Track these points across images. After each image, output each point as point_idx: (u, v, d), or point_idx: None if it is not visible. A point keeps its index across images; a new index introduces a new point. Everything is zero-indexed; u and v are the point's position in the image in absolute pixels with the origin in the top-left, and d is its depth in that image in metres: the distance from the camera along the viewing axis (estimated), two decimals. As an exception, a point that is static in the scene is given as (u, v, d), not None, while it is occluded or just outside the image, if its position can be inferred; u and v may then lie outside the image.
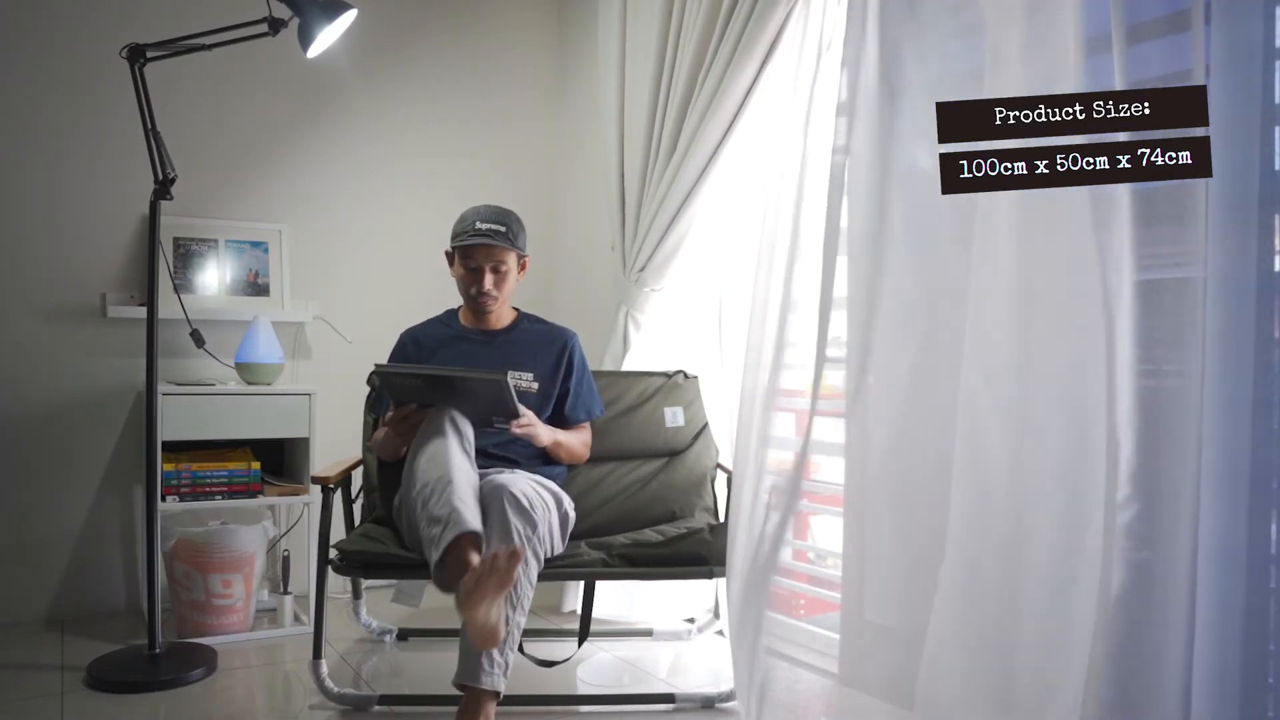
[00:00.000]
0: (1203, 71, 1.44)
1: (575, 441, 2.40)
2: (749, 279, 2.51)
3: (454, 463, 1.96)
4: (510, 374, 2.16)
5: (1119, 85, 1.48)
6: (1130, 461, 1.50)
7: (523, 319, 2.49)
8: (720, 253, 2.69)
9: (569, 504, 2.25)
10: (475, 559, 1.80)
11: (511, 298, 2.43)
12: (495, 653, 1.84)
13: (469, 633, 1.78)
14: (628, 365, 2.77)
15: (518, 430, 2.18)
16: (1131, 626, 1.50)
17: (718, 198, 2.57)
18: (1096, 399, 1.53)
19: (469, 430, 2.08)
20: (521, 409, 2.16)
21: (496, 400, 2.08)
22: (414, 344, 2.43)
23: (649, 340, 2.80)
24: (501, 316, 2.43)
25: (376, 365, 2.15)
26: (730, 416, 2.60)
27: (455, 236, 2.32)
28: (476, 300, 2.34)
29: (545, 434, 2.28)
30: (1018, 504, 1.63)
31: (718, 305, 2.74)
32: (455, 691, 1.88)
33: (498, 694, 1.86)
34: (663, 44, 2.60)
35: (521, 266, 2.40)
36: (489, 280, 2.31)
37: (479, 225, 2.28)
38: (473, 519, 1.87)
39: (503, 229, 2.29)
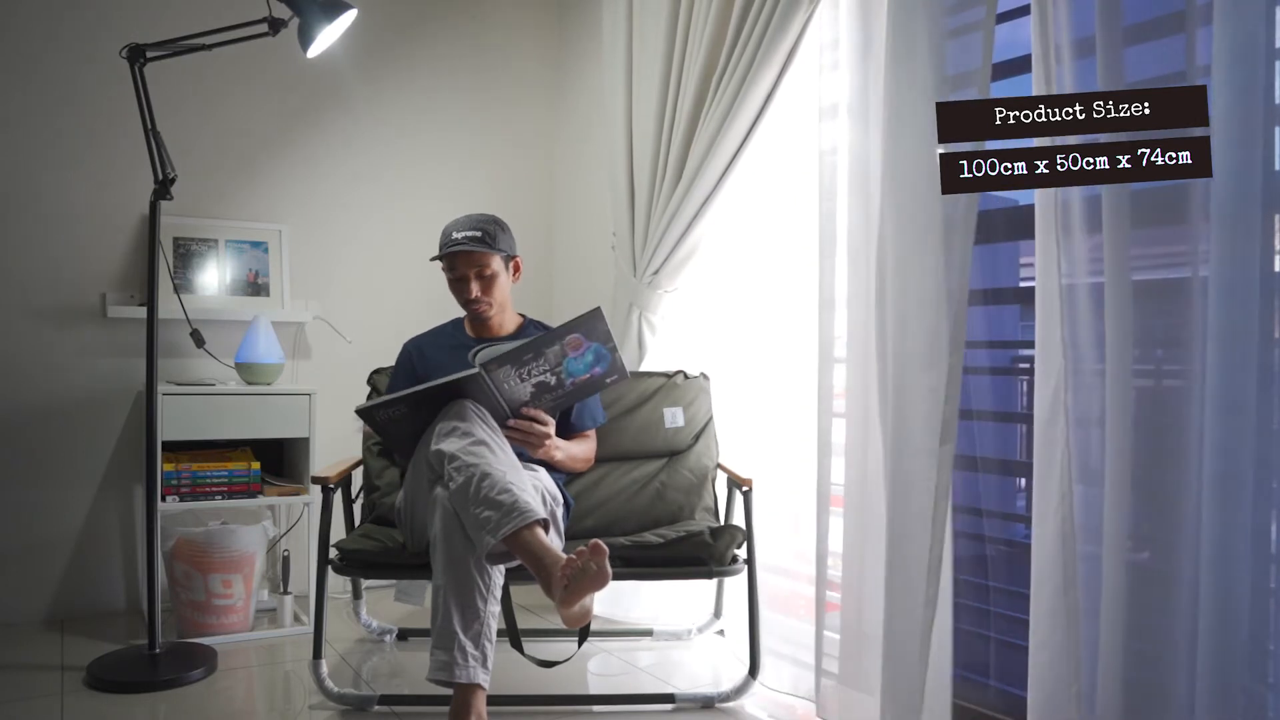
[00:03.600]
0: (1197, 73, 1.44)
1: (580, 456, 2.36)
2: (767, 277, 2.49)
3: (494, 448, 1.95)
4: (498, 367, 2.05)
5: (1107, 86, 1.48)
6: (1129, 461, 1.50)
7: (529, 325, 2.46)
8: (740, 252, 2.65)
9: (566, 496, 2.29)
10: (546, 540, 1.83)
11: (510, 302, 2.43)
12: (469, 645, 1.82)
13: (563, 619, 1.82)
14: (645, 369, 2.71)
15: (536, 443, 2.14)
16: (1133, 626, 1.50)
17: (738, 200, 2.53)
18: (1091, 398, 1.53)
19: (490, 419, 2.04)
20: (541, 414, 2.14)
21: (489, 397, 2.05)
22: (418, 353, 2.43)
23: (666, 342, 2.75)
24: (504, 323, 2.42)
25: (356, 409, 2.08)
26: (746, 417, 2.59)
27: (439, 249, 2.33)
28: (470, 308, 2.35)
29: (558, 454, 2.24)
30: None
31: (739, 304, 2.69)
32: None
33: (483, 688, 1.83)
34: (670, 46, 2.56)
35: (515, 269, 2.39)
36: (475, 287, 2.31)
37: (455, 235, 2.30)
38: (538, 506, 1.88)
39: (479, 234, 2.29)
